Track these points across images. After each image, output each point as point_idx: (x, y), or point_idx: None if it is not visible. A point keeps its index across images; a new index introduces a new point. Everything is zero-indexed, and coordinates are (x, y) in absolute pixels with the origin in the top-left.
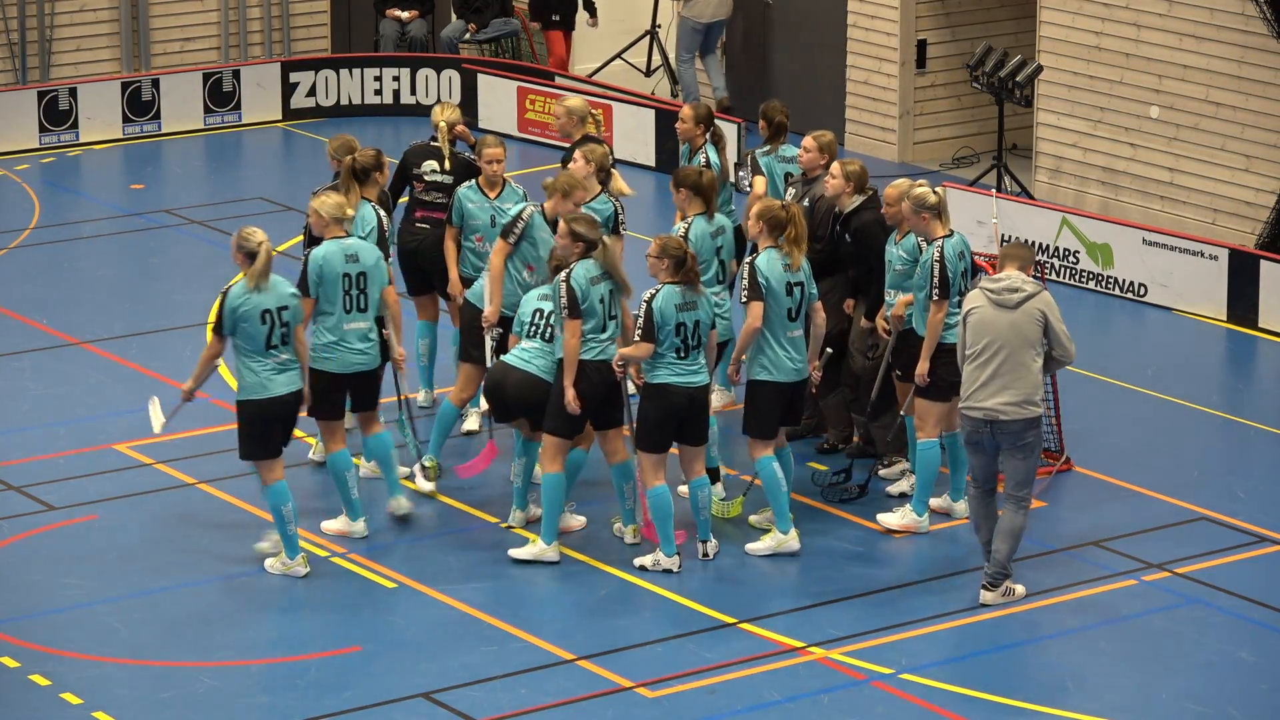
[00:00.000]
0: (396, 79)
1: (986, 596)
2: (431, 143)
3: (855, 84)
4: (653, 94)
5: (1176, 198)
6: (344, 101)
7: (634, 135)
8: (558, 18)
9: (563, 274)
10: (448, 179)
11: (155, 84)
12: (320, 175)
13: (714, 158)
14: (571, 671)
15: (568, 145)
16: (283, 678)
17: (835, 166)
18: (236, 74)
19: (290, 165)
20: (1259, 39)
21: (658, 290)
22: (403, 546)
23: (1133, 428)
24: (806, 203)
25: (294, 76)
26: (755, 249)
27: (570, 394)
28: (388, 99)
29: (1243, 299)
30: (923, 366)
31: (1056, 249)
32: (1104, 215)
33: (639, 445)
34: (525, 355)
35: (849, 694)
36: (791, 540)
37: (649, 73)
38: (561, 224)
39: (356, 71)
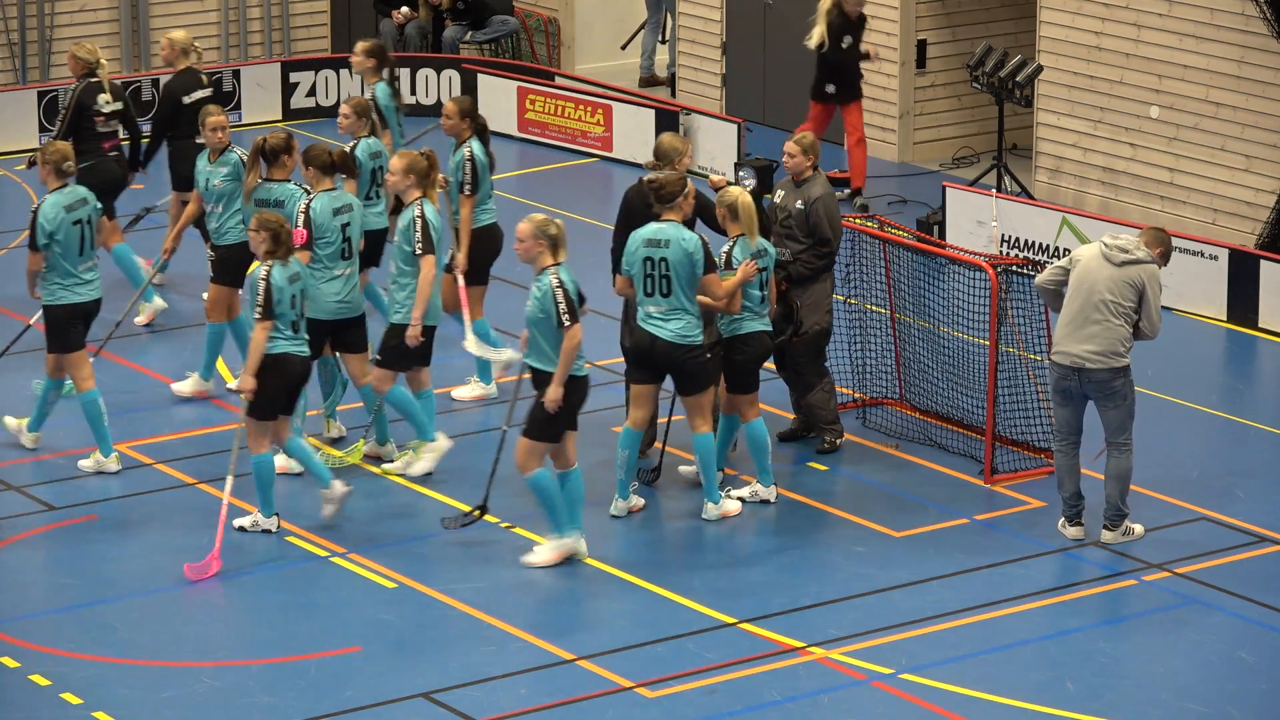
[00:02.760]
0: (397, 79)
1: (1107, 536)
2: (91, 79)
3: None
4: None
5: (1176, 198)
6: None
7: (633, 135)
8: (833, 89)
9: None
10: (119, 105)
11: (155, 84)
12: None
13: (479, 152)
14: (571, 671)
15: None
16: (283, 678)
17: (789, 144)
18: (236, 74)
19: None
20: (1259, 39)
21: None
22: (403, 546)
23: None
24: (801, 205)
25: (294, 76)
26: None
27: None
28: None
29: (1243, 299)
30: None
31: (1056, 249)
32: (1104, 215)
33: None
34: (659, 319)
35: (849, 694)
36: (427, 460)
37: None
38: None
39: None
